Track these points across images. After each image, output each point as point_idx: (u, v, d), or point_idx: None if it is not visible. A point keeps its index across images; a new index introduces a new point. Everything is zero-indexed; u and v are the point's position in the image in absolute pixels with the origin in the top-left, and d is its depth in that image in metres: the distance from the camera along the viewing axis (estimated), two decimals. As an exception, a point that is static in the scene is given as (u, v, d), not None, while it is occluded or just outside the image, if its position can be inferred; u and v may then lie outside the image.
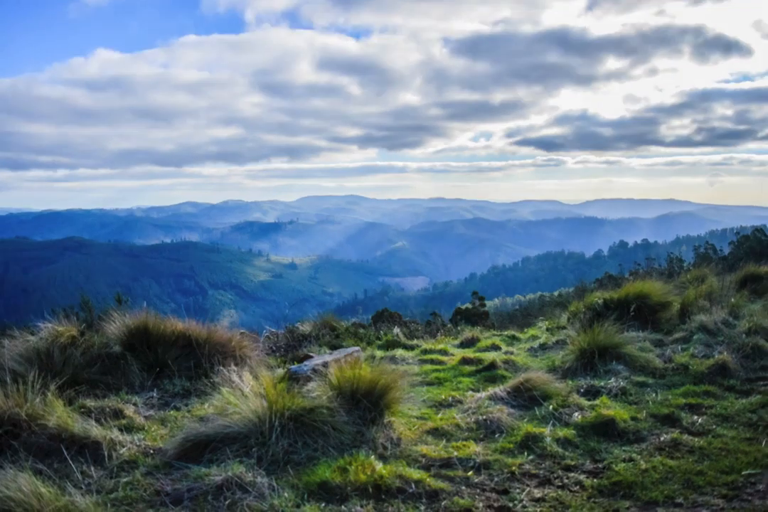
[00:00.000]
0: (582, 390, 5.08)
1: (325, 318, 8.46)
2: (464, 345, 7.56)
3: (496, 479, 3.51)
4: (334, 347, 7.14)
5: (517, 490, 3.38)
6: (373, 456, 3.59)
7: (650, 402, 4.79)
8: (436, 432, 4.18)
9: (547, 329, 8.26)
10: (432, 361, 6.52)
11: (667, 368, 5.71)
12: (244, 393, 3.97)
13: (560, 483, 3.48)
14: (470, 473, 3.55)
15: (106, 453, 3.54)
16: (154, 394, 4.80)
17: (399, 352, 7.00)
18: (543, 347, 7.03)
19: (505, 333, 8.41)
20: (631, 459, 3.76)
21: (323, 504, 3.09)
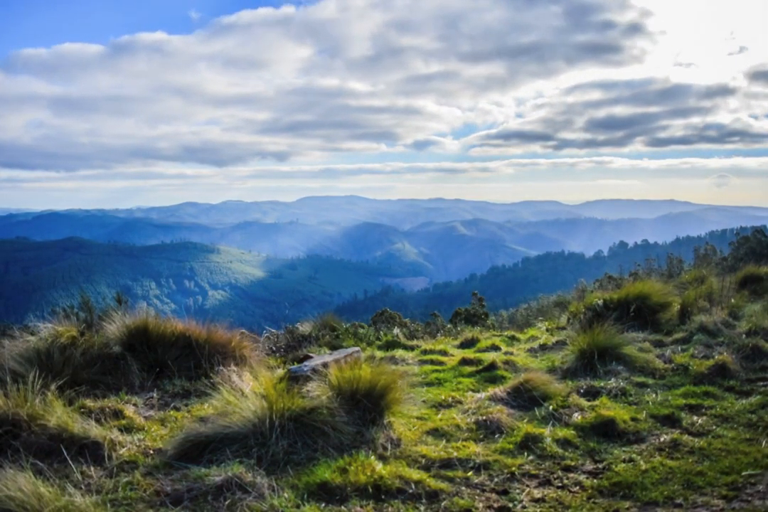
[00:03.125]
0: (582, 391, 5.08)
1: (325, 319, 8.46)
2: (464, 345, 7.56)
3: (496, 479, 3.51)
4: (334, 347, 7.14)
5: (517, 491, 3.38)
6: (373, 457, 3.59)
7: (650, 403, 4.79)
8: (436, 433, 4.18)
9: (547, 329, 8.25)
10: (432, 362, 6.51)
11: (667, 369, 5.71)
12: (244, 393, 3.98)
13: (560, 484, 3.48)
14: (470, 473, 3.55)
15: (106, 454, 3.54)
16: (154, 394, 4.80)
17: (399, 353, 7.00)
18: (543, 347, 7.02)
19: (505, 333, 8.41)
20: (631, 460, 3.76)
21: (323, 505, 3.09)
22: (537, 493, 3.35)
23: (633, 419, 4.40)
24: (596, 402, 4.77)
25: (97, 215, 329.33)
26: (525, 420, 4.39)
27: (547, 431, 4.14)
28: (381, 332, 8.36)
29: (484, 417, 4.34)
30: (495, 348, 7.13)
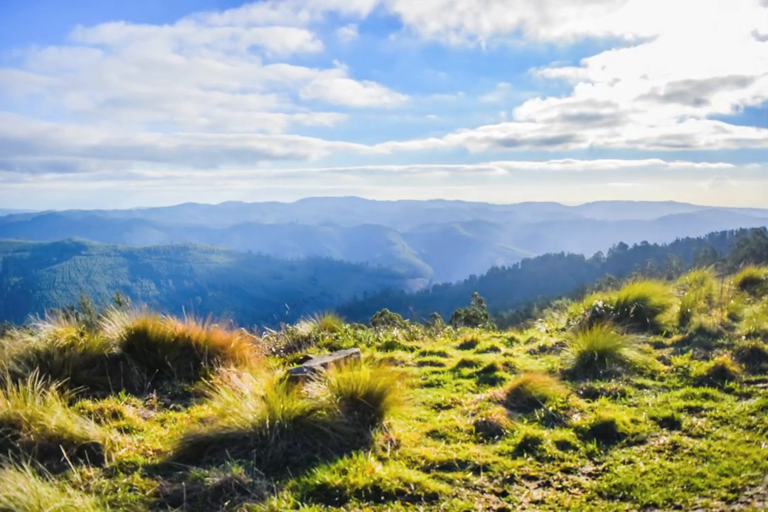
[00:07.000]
0: (581, 393, 5.08)
1: (324, 320, 8.45)
2: (463, 347, 7.56)
3: (495, 481, 3.51)
4: (333, 348, 7.14)
5: (517, 492, 3.38)
6: (372, 458, 3.59)
7: (650, 405, 4.80)
8: (436, 434, 4.18)
9: (547, 331, 8.25)
10: (431, 363, 6.51)
11: (666, 370, 5.72)
12: (243, 394, 3.98)
13: (559, 486, 3.48)
14: (469, 475, 3.55)
15: (105, 454, 3.54)
16: (154, 395, 4.80)
17: (398, 354, 6.99)
18: (542, 349, 7.02)
19: (505, 335, 8.40)
20: (630, 462, 3.76)
21: (322, 506, 3.09)
22: (536, 495, 3.35)
23: (633, 421, 4.40)
24: (596, 404, 4.77)
25: (96, 216, 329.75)
26: (524, 422, 4.39)
27: (546, 433, 4.14)
28: (380, 333, 8.36)
29: (484, 419, 4.33)
30: (494, 349, 7.13)
